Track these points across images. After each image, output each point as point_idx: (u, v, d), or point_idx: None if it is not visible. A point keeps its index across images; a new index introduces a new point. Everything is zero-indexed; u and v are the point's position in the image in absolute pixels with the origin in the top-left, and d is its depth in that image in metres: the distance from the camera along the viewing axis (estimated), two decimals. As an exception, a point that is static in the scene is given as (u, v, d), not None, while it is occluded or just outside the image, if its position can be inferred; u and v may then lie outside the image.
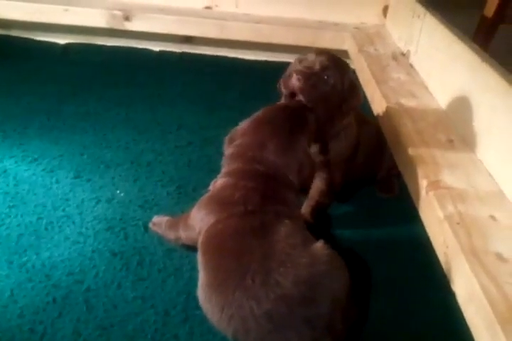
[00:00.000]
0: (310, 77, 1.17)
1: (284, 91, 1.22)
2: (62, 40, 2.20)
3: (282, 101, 1.24)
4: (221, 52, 2.20)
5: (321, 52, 1.26)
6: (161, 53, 2.20)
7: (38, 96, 1.81)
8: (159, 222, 1.24)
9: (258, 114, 1.20)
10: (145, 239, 1.21)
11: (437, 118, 1.35)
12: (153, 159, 1.51)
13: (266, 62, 2.20)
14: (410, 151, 1.19)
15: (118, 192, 1.36)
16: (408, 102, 1.43)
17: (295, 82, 1.17)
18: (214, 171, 1.46)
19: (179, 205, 1.33)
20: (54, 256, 1.14)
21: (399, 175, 1.42)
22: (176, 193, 1.38)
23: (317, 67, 1.19)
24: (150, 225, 1.25)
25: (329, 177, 1.32)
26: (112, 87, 1.93)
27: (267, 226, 1.02)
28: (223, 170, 1.18)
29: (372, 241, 1.29)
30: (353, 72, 1.33)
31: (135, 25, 2.00)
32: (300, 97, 1.18)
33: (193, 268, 1.13)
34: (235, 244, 0.99)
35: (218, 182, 1.15)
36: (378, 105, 1.47)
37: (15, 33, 2.19)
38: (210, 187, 1.27)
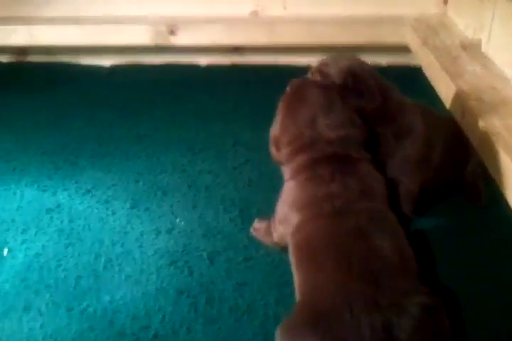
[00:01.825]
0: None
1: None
2: (107, 61, 2.14)
3: None
4: (273, 59, 2.08)
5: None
6: (210, 66, 2.10)
7: (88, 122, 1.74)
8: (258, 228, 1.17)
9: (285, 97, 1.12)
10: (211, 273, 1.10)
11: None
12: (211, 181, 1.41)
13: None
14: (506, 155, 1.03)
15: (178, 220, 1.26)
16: (491, 97, 1.27)
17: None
18: (277, 190, 1.35)
19: (244, 231, 1.21)
20: (116, 299, 1.04)
21: (484, 180, 1.27)
22: (240, 218, 1.26)
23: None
24: (251, 230, 1.19)
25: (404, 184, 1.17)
26: (161, 106, 1.84)
27: (363, 229, 0.90)
28: (286, 170, 1.07)
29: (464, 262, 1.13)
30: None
31: (181, 39, 1.91)
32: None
33: (267, 304, 1.02)
34: (332, 251, 0.89)
35: (286, 186, 1.06)
36: (455, 102, 1.31)
37: (59, 58, 2.15)
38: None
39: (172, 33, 1.89)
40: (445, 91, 1.38)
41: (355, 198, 0.95)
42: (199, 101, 1.87)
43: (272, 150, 1.12)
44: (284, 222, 1.03)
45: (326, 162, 0.99)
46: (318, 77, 1.17)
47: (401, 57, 1.96)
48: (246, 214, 1.28)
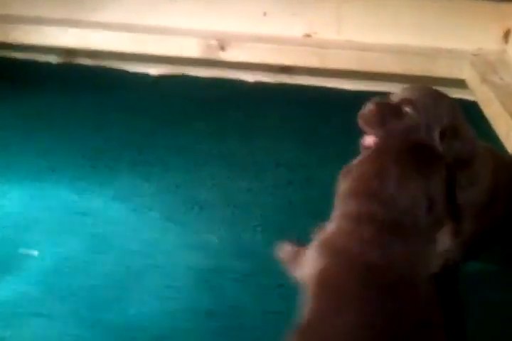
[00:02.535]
0: (380, 106, 1.00)
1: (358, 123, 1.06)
2: (154, 70, 2.12)
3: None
4: (321, 82, 2.04)
5: (417, 86, 1.08)
6: (257, 84, 2.07)
7: (129, 129, 1.71)
8: (286, 251, 1.06)
9: (377, 145, 1.03)
10: (242, 297, 1.05)
11: None
12: (250, 200, 1.36)
13: (369, 92, 2.02)
14: None
15: (212, 237, 1.21)
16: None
17: (364, 111, 1.02)
18: (317, 216, 1.30)
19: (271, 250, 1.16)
20: (141, 314, 0.99)
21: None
22: (275, 240, 1.21)
23: (397, 98, 1.01)
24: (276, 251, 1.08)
25: (458, 231, 1.10)
26: (204, 119, 1.81)
27: (392, 287, 0.83)
28: (335, 212, 1.01)
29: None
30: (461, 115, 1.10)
31: (230, 56, 1.89)
32: (367, 130, 1.03)
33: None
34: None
35: (329, 228, 0.98)
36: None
37: (108, 63, 2.14)
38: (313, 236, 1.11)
39: (222, 48, 1.87)
40: (505, 130, 1.32)
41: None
42: (243, 118, 1.84)
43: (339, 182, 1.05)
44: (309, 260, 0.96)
45: (371, 221, 0.92)
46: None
47: (456, 92, 1.90)
48: (282, 237, 1.21)
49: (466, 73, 1.75)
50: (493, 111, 1.44)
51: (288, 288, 1.06)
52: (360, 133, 1.69)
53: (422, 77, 1.79)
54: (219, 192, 1.39)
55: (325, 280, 0.88)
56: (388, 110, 1.01)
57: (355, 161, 1.03)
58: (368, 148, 1.06)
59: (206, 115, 1.84)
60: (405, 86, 1.07)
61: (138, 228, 1.22)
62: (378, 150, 1.00)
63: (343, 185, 1.00)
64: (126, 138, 1.65)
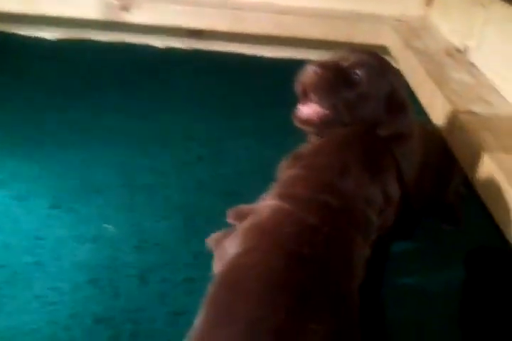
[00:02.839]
0: (330, 70, 0.86)
1: (296, 89, 0.90)
2: (50, 34, 1.88)
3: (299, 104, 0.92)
4: (237, 48, 1.88)
5: (358, 49, 0.95)
6: (166, 50, 1.89)
7: (20, 103, 1.49)
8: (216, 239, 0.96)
9: (330, 137, 0.89)
10: (141, 297, 0.89)
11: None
12: (153, 181, 1.20)
13: (290, 60, 1.88)
14: (507, 181, 0.87)
15: (107, 226, 1.05)
16: (481, 110, 1.11)
17: (309, 74, 0.86)
18: (231, 195, 1.17)
19: (188, 244, 1.01)
20: (17, 325, 0.81)
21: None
22: (183, 227, 1.06)
23: (346, 61, 0.88)
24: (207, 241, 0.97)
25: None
26: (107, 90, 1.62)
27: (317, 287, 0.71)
28: (275, 191, 0.87)
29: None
30: (406, 84, 0.99)
31: (135, 17, 1.69)
32: (312, 98, 0.87)
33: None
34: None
35: (267, 205, 0.84)
36: (441, 113, 1.15)
37: (-3, 26, 1.88)
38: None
39: (125, 8, 1.66)
40: (429, 99, 1.22)
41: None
42: (150, 88, 1.66)
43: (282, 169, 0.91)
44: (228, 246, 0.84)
45: (320, 209, 0.80)
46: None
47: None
48: (190, 224, 1.08)
49: (388, 39, 1.64)
50: (416, 78, 1.34)
51: (197, 283, 0.93)
52: (281, 104, 1.54)
53: (342, 43, 1.67)
54: (117, 173, 1.21)
55: (232, 278, 0.75)
56: (339, 75, 0.87)
57: (305, 149, 0.90)
58: (307, 120, 0.91)
59: (108, 85, 1.65)
60: (338, 49, 0.94)
61: (17, 218, 1.03)
62: (340, 142, 0.86)
63: (289, 171, 0.86)
64: (16, 114, 1.43)
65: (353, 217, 0.79)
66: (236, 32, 1.73)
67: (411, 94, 1.34)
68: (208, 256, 0.97)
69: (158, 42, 1.88)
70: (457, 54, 1.44)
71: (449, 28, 1.56)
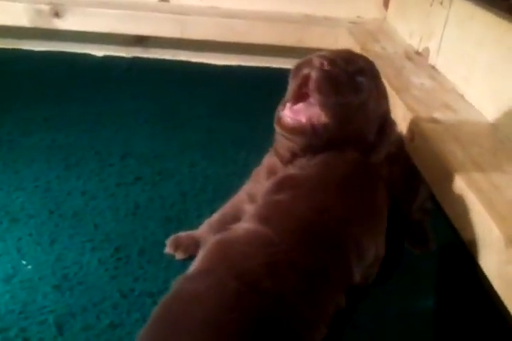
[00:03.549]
0: (340, 68, 0.74)
1: (291, 82, 0.78)
2: (-21, 44, 1.72)
3: (287, 98, 0.80)
4: (182, 55, 1.75)
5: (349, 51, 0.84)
6: (106, 58, 1.74)
7: None
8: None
9: (329, 165, 0.78)
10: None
11: (492, 140, 0.94)
12: (82, 206, 1.05)
13: (239, 67, 1.75)
14: (477, 198, 0.75)
15: (24, 263, 0.89)
16: (445, 117, 1.01)
17: (315, 66, 0.73)
18: (171, 221, 1.03)
19: (117, 281, 0.87)
20: None
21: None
22: (114, 261, 0.92)
23: (349, 65, 0.76)
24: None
25: None
26: (38, 103, 1.46)
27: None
28: (254, 213, 0.76)
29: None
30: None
31: (68, 24, 1.55)
32: (313, 97, 0.74)
33: None
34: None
35: (244, 227, 0.74)
36: (402, 121, 1.04)
37: None
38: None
39: (57, 14, 1.52)
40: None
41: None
42: (87, 101, 1.51)
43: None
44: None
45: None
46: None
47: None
48: (124, 256, 0.93)
49: (343, 43, 1.53)
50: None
51: (125, 329, 0.79)
52: (231, 115, 1.41)
53: (295, 48, 1.56)
54: (42, 198, 1.06)
55: (173, 309, 0.63)
56: (346, 77, 0.75)
57: (300, 172, 0.78)
58: (297, 128, 0.77)
59: (41, 98, 1.50)
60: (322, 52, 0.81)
61: None
62: (342, 177, 0.78)
63: (277, 196, 0.75)
64: None
65: (340, 267, 0.69)
66: (181, 38, 1.59)
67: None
68: (140, 294, 0.84)
69: (98, 50, 1.73)
70: (417, 57, 1.34)
71: (408, 30, 1.47)
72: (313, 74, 0.73)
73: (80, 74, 1.64)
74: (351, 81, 0.75)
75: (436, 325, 0.85)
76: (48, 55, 1.71)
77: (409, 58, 1.32)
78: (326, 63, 0.73)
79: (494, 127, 0.97)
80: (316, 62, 0.74)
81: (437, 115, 1.01)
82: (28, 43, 1.71)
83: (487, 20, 1.04)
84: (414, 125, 0.98)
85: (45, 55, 1.71)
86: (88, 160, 1.22)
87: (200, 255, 0.73)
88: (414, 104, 1.05)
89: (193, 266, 0.73)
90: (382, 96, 0.83)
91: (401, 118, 1.04)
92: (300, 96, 0.77)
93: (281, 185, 0.77)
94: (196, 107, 1.51)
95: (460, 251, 0.87)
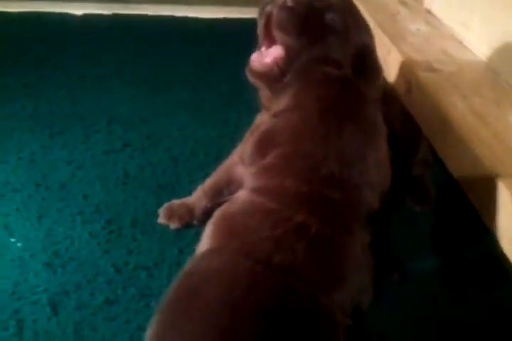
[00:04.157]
0: (304, 5, 0.70)
1: (258, 22, 0.74)
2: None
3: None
4: (165, 10, 1.66)
5: None
6: (86, 17, 1.65)
7: None
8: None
9: (305, 102, 0.73)
10: (52, 330, 0.72)
11: (494, 88, 0.88)
12: (69, 176, 1.01)
13: (226, 20, 1.67)
14: (479, 152, 0.71)
15: (13, 240, 0.86)
16: (444, 65, 0.95)
17: (278, 2, 0.69)
18: (163, 188, 0.99)
19: (110, 255, 0.84)
20: None
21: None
22: (105, 233, 0.89)
23: (317, 1, 0.71)
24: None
25: None
26: (16, 68, 1.40)
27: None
28: (247, 185, 0.72)
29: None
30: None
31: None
32: (277, 37, 0.71)
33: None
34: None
35: (240, 199, 0.70)
36: (397, 71, 0.99)
37: None
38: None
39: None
40: (383, 55, 1.05)
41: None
42: (68, 63, 1.44)
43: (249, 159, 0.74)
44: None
45: (316, 205, 0.66)
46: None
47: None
48: (116, 228, 0.90)
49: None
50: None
51: (120, 306, 0.77)
52: (220, 73, 1.36)
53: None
54: (27, 170, 1.02)
55: (189, 287, 0.61)
56: (311, 15, 0.70)
57: (277, 127, 0.72)
58: (259, 69, 0.73)
59: (18, 62, 1.43)
60: None
61: None
62: (322, 111, 0.71)
63: (263, 161, 0.70)
64: None
65: (356, 211, 0.64)
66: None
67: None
68: (135, 268, 0.81)
69: (76, 9, 1.64)
70: (412, 1, 1.26)
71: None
72: (275, 12, 0.69)
73: (59, 35, 1.57)
74: (319, 18, 0.70)
75: (440, 284, 0.83)
76: (24, 15, 1.63)
77: (403, 3, 1.25)
78: (288, 1, 0.68)
79: (496, 74, 0.92)
80: (279, 1, 0.69)
81: (435, 63, 0.95)
82: (2, 4, 1.61)
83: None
84: (411, 74, 0.93)
85: (20, 16, 1.62)
86: (73, 127, 1.17)
87: (208, 231, 0.70)
88: (411, 51, 1.00)
89: (202, 244, 0.69)
90: (359, 31, 0.76)
91: (396, 67, 0.98)
92: (269, 37, 0.72)
93: (262, 146, 0.73)
94: (181, 66, 1.44)
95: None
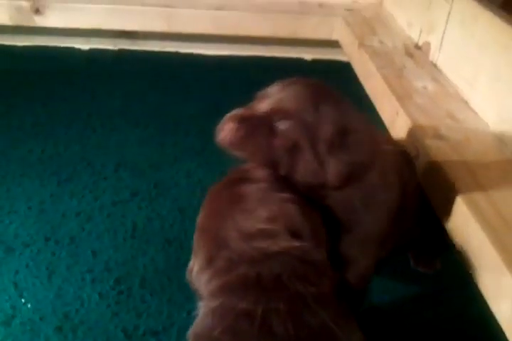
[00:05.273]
0: (249, 125, 0.70)
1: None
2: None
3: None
4: (171, 47, 1.68)
5: (290, 83, 0.76)
6: (91, 52, 1.67)
7: None
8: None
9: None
10: None
11: (499, 159, 0.90)
12: (78, 230, 1.02)
13: (231, 57, 1.68)
14: (486, 235, 0.73)
15: (23, 301, 0.87)
16: (451, 132, 0.97)
17: (225, 132, 0.71)
18: (172, 243, 1.01)
19: (118, 318, 0.85)
20: None
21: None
22: (115, 294, 0.90)
23: (265, 108, 0.71)
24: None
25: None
26: (23, 105, 1.41)
27: None
28: None
29: None
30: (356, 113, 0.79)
31: (49, 21, 1.47)
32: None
33: None
34: None
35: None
36: (404, 134, 1.01)
37: None
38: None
39: (37, 11, 1.44)
40: (390, 116, 1.08)
41: None
42: (74, 100, 1.45)
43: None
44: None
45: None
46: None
47: (329, 52, 1.63)
48: (125, 288, 0.91)
49: (339, 34, 1.47)
50: (374, 86, 1.19)
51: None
52: (226, 113, 1.37)
53: (289, 40, 1.50)
54: (36, 222, 1.03)
55: None
56: (256, 128, 0.71)
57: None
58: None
59: (26, 98, 1.44)
60: (276, 83, 0.75)
61: None
62: None
63: None
64: None
65: None
66: (171, 32, 1.52)
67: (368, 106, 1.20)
68: (144, 333, 0.83)
69: (83, 44, 1.65)
70: (417, 52, 1.29)
71: (406, 19, 1.40)
72: (226, 140, 0.71)
73: (65, 70, 1.58)
74: (266, 127, 0.70)
75: None
76: (31, 49, 1.64)
77: (409, 54, 1.27)
78: (231, 121, 0.70)
79: (501, 142, 0.94)
80: (226, 126, 0.70)
81: (442, 128, 0.97)
82: (10, 38, 1.62)
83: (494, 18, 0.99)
84: (418, 142, 0.95)
85: (27, 50, 1.64)
86: (81, 173, 1.18)
87: None
88: (418, 115, 1.01)
89: None
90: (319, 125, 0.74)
91: (403, 131, 1.00)
92: None
93: None
94: (188, 105, 1.46)
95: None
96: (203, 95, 1.51)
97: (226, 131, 0.70)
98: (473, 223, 0.76)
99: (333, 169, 0.71)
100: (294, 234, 0.66)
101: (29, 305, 0.86)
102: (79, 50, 1.66)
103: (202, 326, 0.64)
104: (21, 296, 0.88)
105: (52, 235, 1.01)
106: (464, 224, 0.79)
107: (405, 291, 0.95)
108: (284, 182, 0.71)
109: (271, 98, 0.72)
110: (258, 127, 0.70)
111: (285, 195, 0.69)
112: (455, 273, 0.94)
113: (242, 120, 0.70)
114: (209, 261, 0.66)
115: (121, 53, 1.67)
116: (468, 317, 0.90)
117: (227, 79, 1.58)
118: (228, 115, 0.71)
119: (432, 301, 0.93)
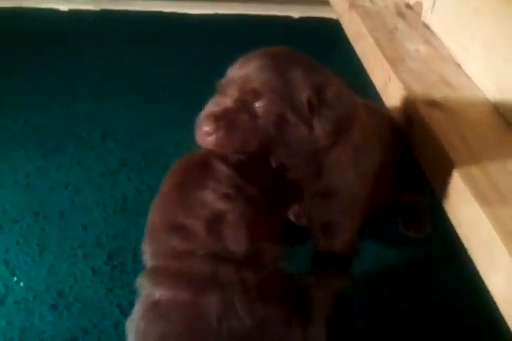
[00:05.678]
0: (225, 119, 0.68)
1: None
2: None
3: None
4: (154, 6, 1.61)
5: (254, 56, 0.73)
6: (72, 13, 1.60)
7: None
8: None
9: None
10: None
11: (494, 127, 0.89)
12: (67, 203, 1.01)
13: (216, 16, 1.62)
14: (484, 213, 0.73)
15: (15, 279, 0.87)
16: (445, 98, 0.95)
17: (206, 136, 0.68)
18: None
19: (113, 294, 0.85)
20: None
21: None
22: (108, 270, 0.89)
23: (234, 94, 0.69)
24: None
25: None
26: (6, 71, 1.36)
27: None
28: None
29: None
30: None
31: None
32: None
33: None
34: None
35: None
36: (397, 101, 0.99)
37: None
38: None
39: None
40: (383, 82, 1.05)
41: None
42: (56, 66, 1.40)
43: None
44: None
45: None
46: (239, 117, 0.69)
47: (318, 10, 1.58)
48: (118, 263, 0.90)
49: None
50: (366, 51, 1.15)
51: None
52: (213, 75, 1.34)
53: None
54: (24, 195, 1.02)
55: None
56: (235, 120, 0.68)
57: None
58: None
59: (4, 64, 1.39)
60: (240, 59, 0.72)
61: None
62: None
63: None
64: None
65: None
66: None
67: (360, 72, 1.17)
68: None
69: (62, 4, 1.58)
70: (409, 12, 1.24)
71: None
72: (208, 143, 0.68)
73: (45, 34, 1.52)
74: (245, 111, 0.68)
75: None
76: (6, 11, 1.57)
77: (400, 15, 1.23)
78: (207, 121, 0.67)
79: (495, 109, 0.92)
80: (204, 128, 0.68)
81: (434, 93, 0.95)
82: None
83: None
84: (412, 109, 0.93)
85: (2, 12, 1.56)
86: (67, 143, 1.15)
87: None
88: (410, 80, 0.98)
89: None
90: (296, 91, 0.71)
91: (396, 98, 0.98)
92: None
93: None
94: (174, 66, 1.41)
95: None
96: (188, 56, 1.47)
97: (206, 134, 0.67)
98: (468, 195, 0.75)
99: (320, 128, 0.71)
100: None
101: (22, 284, 0.86)
102: (58, 11, 1.59)
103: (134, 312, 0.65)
104: (13, 274, 0.87)
105: (41, 210, 0.99)
106: (458, 195, 0.78)
107: (395, 258, 0.96)
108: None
109: (235, 81, 0.70)
110: (236, 118, 0.68)
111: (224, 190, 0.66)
112: (444, 238, 0.94)
113: (217, 119, 0.67)
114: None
115: (103, 14, 1.60)
116: (458, 289, 0.91)
117: (212, 38, 1.53)
118: (202, 116, 0.69)
119: (421, 270, 0.94)
